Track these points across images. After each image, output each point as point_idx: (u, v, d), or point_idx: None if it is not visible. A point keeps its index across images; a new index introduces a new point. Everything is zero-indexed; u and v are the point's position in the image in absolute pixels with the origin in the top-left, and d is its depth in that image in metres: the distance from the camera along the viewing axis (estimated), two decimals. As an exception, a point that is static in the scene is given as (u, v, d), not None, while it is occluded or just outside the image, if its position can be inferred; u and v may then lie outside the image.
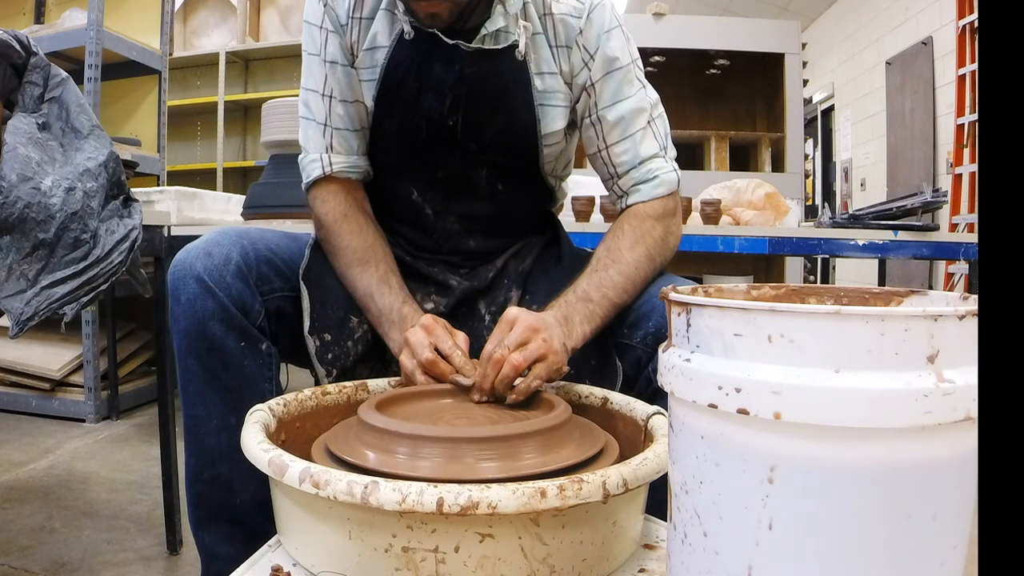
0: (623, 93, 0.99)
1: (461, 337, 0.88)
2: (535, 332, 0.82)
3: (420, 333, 0.86)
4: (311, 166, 1.02)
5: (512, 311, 0.85)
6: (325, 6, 0.98)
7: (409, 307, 0.95)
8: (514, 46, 0.95)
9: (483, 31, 0.94)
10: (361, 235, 0.99)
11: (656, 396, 0.83)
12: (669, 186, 1.00)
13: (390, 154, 1.04)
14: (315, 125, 1.01)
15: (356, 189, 1.04)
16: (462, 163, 1.01)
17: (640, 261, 0.95)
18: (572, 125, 1.05)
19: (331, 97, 1.00)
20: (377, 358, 1.01)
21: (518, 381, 0.80)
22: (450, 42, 0.93)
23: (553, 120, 1.00)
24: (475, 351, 1.00)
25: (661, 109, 1.03)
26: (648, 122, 1.00)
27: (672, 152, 1.03)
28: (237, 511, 0.89)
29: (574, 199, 2.17)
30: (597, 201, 2.22)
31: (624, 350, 0.94)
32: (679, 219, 1.04)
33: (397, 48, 0.96)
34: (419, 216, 1.05)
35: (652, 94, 1.02)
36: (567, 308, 0.89)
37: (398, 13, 0.95)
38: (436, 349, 0.85)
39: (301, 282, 0.95)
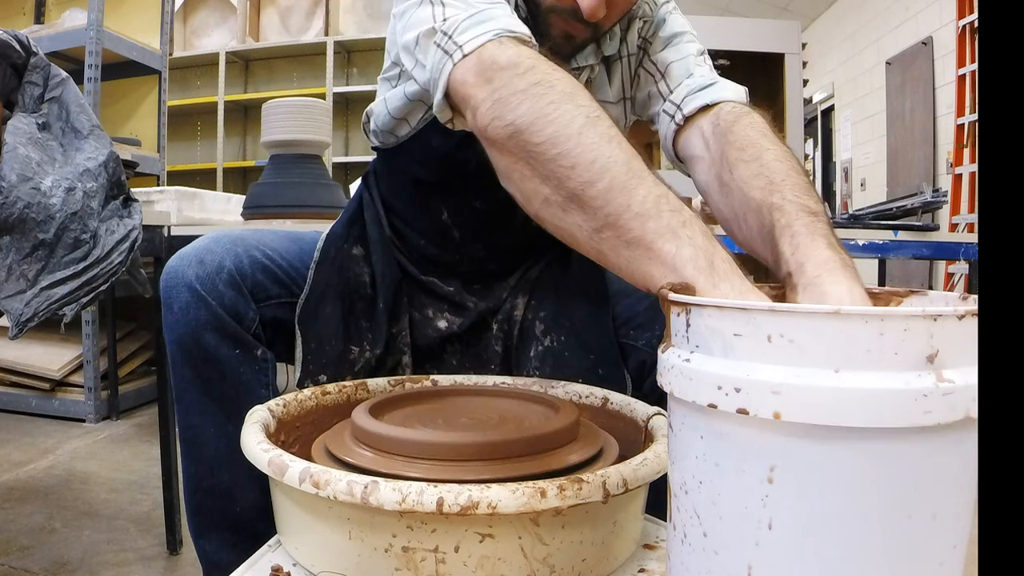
0: (677, 44, 0.90)
1: None
2: None
3: None
4: (501, 19, 0.66)
5: None
6: None
7: (689, 211, 0.57)
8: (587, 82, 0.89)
9: (573, 63, 0.88)
10: (570, 79, 0.62)
11: (663, 401, 0.82)
12: (738, 94, 0.81)
13: (428, 170, 0.94)
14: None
15: None
16: (506, 198, 0.85)
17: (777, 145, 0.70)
18: None
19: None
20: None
21: None
22: None
23: None
24: (483, 361, 0.99)
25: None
26: (703, 53, 0.90)
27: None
28: (238, 519, 0.88)
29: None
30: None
31: (629, 351, 0.92)
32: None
33: None
34: (444, 237, 0.98)
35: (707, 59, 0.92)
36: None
37: None
38: None
39: (296, 325, 0.90)
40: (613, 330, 0.93)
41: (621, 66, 0.94)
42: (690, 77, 0.86)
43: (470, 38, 0.64)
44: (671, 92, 0.86)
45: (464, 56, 0.64)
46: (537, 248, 1.04)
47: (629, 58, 0.94)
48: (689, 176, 0.86)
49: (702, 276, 0.50)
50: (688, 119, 0.83)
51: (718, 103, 0.79)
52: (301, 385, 0.90)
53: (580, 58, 0.89)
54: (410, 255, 1.00)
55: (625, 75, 0.95)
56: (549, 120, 0.57)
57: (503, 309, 1.00)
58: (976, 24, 4.04)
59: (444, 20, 0.67)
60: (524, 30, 0.66)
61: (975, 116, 4.16)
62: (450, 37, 0.66)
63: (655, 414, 0.75)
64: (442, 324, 0.98)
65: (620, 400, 0.82)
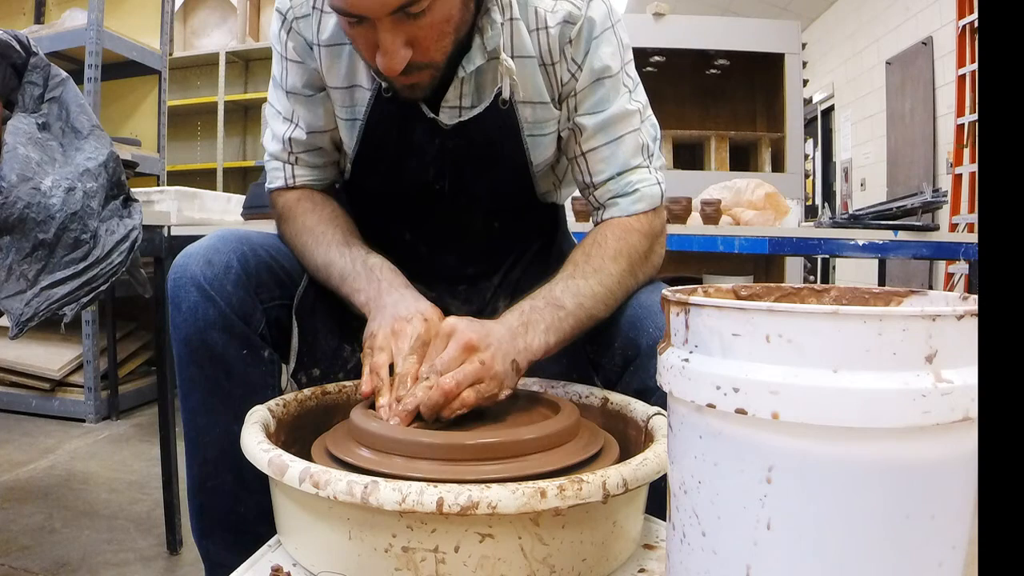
0: (608, 100, 0.90)
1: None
2: (472, 352, 0.72)
3: (404, 339, 0.75)
4: (274, 172, 1.00)
5: (449, 321, 0.75)
6: (289, 32, 0.91)
7: (376, 257, 0.88)
8: (497, 95, 0.88)
9: (460, 72, 0.86)
10: (316, 213, 0.95)
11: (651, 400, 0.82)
12: (650, 201, 0.91)
13: (376, 204, 1.02)
14: (278, 140, 0.98)
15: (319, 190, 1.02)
16: (453, 213, 0.98)
17: (623, 275, 0.87)
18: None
19: (295, 125, 0.96)
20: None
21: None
22: (429, 115, 0.89)
23: (545, 149, 0.95)
24: None
25: (649, 112, 0.94)
26: (632, 129, 0.91)
27: (658, 160, 0.95)
28: (241, 520, 0.87)
29: (574, 199, 2.17)
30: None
31: (595, 367, 0.91)
32: (664, 239, 0.96)
33: (376, 105, 0.90)
34: (414, 252, 1.02)
35: (640, 96, 0.93)
36: (531, 314, 0.80)
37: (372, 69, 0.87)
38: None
39: (294, 316, 0.91)
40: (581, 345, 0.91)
41: (548, 73, 0.91)
42: (615, 179, 0.92)
43: (267, 183, 1.02)
44: (594, 188, 0.94)
45: (268, 190, 1.02)
46: (510, 245, 1.06)
47: (554, 66, 0.90)
48: None
49: (370, 300, 0.84)
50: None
51: (622, 216, 0.92)
52: (295, 376, 0.91)
53: (466, 63, 0.86)
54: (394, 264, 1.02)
55: (554, 80, 0.91)
56: (294, 242, 0.95)
57: (486, 312, 1.03)
58: (976, 24, 4.04)
59: (265, 149, 1.02)
60: (301, 179, 0.99)
61: (975, 116, 4.16)
62: (267, 171, 1.02)
63: (655, 414, 0.75)
64: None
65: (620, 400, 0.82)
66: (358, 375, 0.95)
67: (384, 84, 0.88)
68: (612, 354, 0.87)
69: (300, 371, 0.92)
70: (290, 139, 0.97)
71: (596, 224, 0.96)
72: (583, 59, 0.89)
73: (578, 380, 0.92)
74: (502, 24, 0.86)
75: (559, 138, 0.97)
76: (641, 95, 0.94)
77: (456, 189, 0.95)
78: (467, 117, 0.89)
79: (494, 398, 0.73)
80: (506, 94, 0.88)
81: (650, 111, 0.95)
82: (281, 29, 0.92)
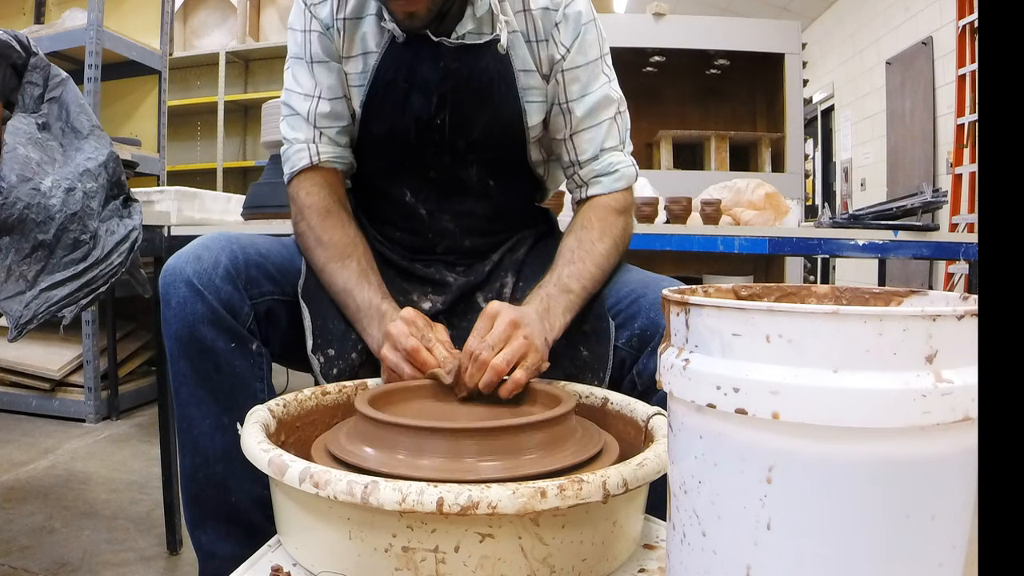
0: (592, 86, 1.02)
1: (441, 329, 0.88)
2: (516, 328, 0.81)
3: (401, 325, 0.85)
4: (297, 155, 1.04)
5: (494, 305, 0.84)
6: (310, 9, 1.01)
7: (388, 303, 0.95)
8: (496, 40, 0.96)
9: (454, 35, 0.96)
10: (343, 230, 1.00)
11: (643, 398, 0.84)
12: (628, 180, 1.05)
13: (381, 158, 1.06)
14: (301, 120, 1.03)
15: (340, 183, 1.06)
16: (452, 163, 1.03)
17: (609, 252, 0.99)
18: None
19: (318, 97, 1.02)
20: (374, 363, 1.01)
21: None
22: (435, 38, 0.95)
23: (535, 114, 1.03)
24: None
25: (625, 105, 1.07)
26: (612, 115, 1.03)
27: (630, 147, 1.07)
28: (233, 510, 0.89)
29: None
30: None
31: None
32: (632, 214, 1.09)
33: (388, 51, 0.98)
34: (414, 217, 1.07)
35: (618, 88, 1.05)
36: (549, 300, 0.91)
37: (385, 23, 0.96)
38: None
39: (301, 300, 0.95)
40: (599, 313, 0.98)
41: (533, 49, 1.00)
42: (598, 159, 1.04)
43: (287, 170, 1.06)
44: (580, 166, 1.06)
45: (287, 180, 1.07)
46: (506, 220, 1.10)
47: (540, 43, 1.00)
48: None
49: (370, 326, 0.93)
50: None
51: (605, 193, 1.05)
52: (314, 353, 0.95)
53: (459, 27, 0.96)
54: (392, 246, 1.08)
55: (541, 56, 1.01)
56: (316, 253, 1.00)
57: (492, 287, 1.06)
58: (976, 24, 4.04)
59: (285, 138, 1.06)
60: (325, 155, 1.04)
61: (975, 116, 4.16)
62: (288, 159, 1.06)
63: (655, 414, 0.75)
64: (426, 305, 1.04)
65: (620, 400, 0.82)
66: (370, 354, 0.98)
67: (397, 32, 0.95)
68: (631, 336, 0.93)
69: (317, 351, 0.95)
70: (316, 113, 1.02)
71: (577, 202, 1.08)
72: (572, 41, 1.00)
73: (588, 355, 0.96)
74: None
75: (548, 115, 1.05)
76: (617, 87, 1.06)
77: (454, 123, 1.00)
78: (470, 41, 0.97)
79: (540, 370, 0.82)
80: (504, 41, 0.97)
81: (624, 104, 1.07)
82: (303, 9, 1.01)
